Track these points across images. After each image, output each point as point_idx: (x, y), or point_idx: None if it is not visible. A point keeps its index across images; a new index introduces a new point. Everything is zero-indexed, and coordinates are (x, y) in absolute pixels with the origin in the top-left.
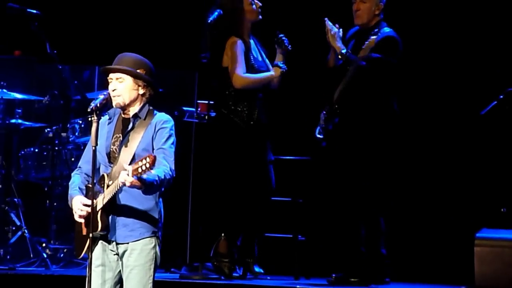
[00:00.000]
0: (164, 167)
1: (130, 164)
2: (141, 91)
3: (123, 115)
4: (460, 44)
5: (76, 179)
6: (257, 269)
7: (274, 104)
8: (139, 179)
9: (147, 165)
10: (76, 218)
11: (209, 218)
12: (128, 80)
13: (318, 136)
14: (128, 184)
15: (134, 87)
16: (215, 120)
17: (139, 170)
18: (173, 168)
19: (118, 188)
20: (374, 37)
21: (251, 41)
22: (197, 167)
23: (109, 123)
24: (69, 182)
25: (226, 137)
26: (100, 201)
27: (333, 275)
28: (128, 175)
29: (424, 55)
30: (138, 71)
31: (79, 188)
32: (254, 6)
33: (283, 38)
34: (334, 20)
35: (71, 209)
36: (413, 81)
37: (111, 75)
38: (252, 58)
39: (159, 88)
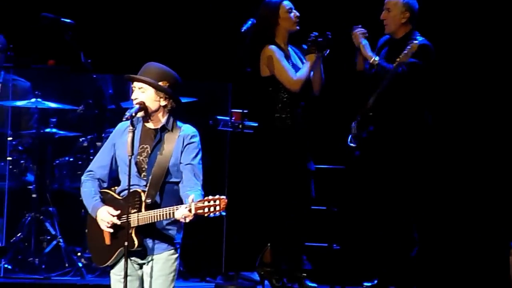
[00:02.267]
0: (199, 190)
1: (164, 179)
2: (163, 103)
3: (147, 125)
4: (495, 53)
5: (91, 187)
6: (309, 283)
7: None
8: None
9: (217, 208)
10: (105, 229)
11: (253, 227)
12: (149, 90)
13: (351, 144)
14: (187, 220)
15: (156, 98)
16: (258, 129)
17: (206, 210)
18: (202, 184)
19: (168, 218)
20: (409, 47)
21: (290, 50)
22: (232, 176)
23: (130, 131)
24: (82, 188)
25: (270, 144)
26: (134, 218)
27: (364, 284)
28: (190, 211)
29: (457, 64)
30: (160, 83)
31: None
32: (291, 15)
33: (319, 39)
34: (366, 27)
35: (93, 219)
36: (447, 89)
37: (134, 84)
38: (291, 64)
39: (181, 100)
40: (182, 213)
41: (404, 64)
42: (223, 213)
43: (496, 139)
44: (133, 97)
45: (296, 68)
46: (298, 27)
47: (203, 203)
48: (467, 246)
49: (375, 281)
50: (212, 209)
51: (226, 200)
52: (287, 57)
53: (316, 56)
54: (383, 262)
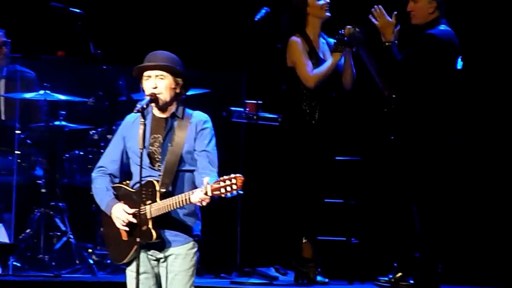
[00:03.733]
0: (214, 177)
1: (178, 167)
2: (178, 90)
3: (157, 115)
4: None
5: (103, 183)
6: (319, 278)
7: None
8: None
9: (234, 187)
10: (120, 226)
11: (268, 221)
12: (168, 77)
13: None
14: (204, 204)
15: (173, 85)
16: (283, 120)
17: (222, 190)
18: (217, 171)
19: (185, 204)
20: None
21: (321, 40)
22: (247, 168)
23: (141, 124)
24: (93, 185)
25: (291, 137)
26: (150, 209)
27: (379, 279)
28: (206, 193)
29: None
30: (177, 68)
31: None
32: (320, 2)
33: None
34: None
35: (108, 215)
36: (477, 82)
37: (150, 73)
38: (320, 57)
39: (190, 89)
40: (198, 196)
41: (401, 54)
42: (241, 192)
43: None
44: (150, 85)
45: (323, 61)
46: (328, 14)
47: (219, 183)
48: (492, 241)
49: (390, 276)
50: (228, 188)
51: (243, 178)
52: (314, 48)
53: (342, 55)
54: (402, 255)
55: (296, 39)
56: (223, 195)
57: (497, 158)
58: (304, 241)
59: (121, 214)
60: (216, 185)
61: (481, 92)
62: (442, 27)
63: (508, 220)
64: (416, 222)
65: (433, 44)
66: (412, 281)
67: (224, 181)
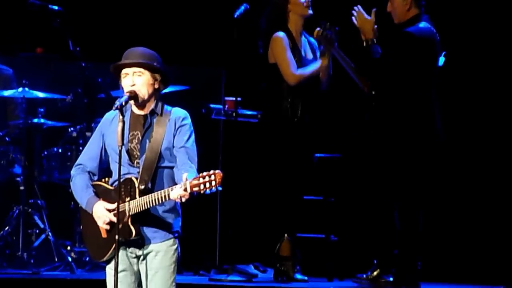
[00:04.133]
0: (194, 173)
1: (157, 164)
2: (156, 86)
3: (136, 112)
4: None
5: (82, 181)
6: (298, 275)
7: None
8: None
9: (213, 183)
10: (101, 225)
11: (247, 218)
12: (146, 74)
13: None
14: (183, 200)
15: (151, 81)
16: (263, 116)
17: (201, 187)
18: (197, 168)
19: (165, 200)
20: None
21: (303, 38)
22: (226, 166)
23: (120, 121)
24: (72, 182)
25: (270, 134)
26: (129, 206)
27: (358, 276)
28: (185, 190)
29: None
30: (154, 64)
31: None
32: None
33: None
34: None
35: (86, 213)
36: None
37: (127, 70)
38: (302, 55)
39: (170, 81)
40: (177, 193)
41: (380, 53)
42: (220, 188)
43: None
44: (128, 83)
45: (305, 60)
46: (310, 12)
47: (198, 180)
48: (471, 238)
49: (369, 273)
50: (207, 185)
51: (222, 174)
52: (297, 46)
53: (329, 58)
54: (382, 253)
55: (280, 35)
56: (202, 192)
57: (477, 155)
58: (283, 238)
59: (103, 213)
60: (195, 182)
61: (465, 90)
62: (422, 24)
63: (488, 217)
64: (395, 220)
65: (410, 42)
66: (390, 279)
67: (203, 177)
